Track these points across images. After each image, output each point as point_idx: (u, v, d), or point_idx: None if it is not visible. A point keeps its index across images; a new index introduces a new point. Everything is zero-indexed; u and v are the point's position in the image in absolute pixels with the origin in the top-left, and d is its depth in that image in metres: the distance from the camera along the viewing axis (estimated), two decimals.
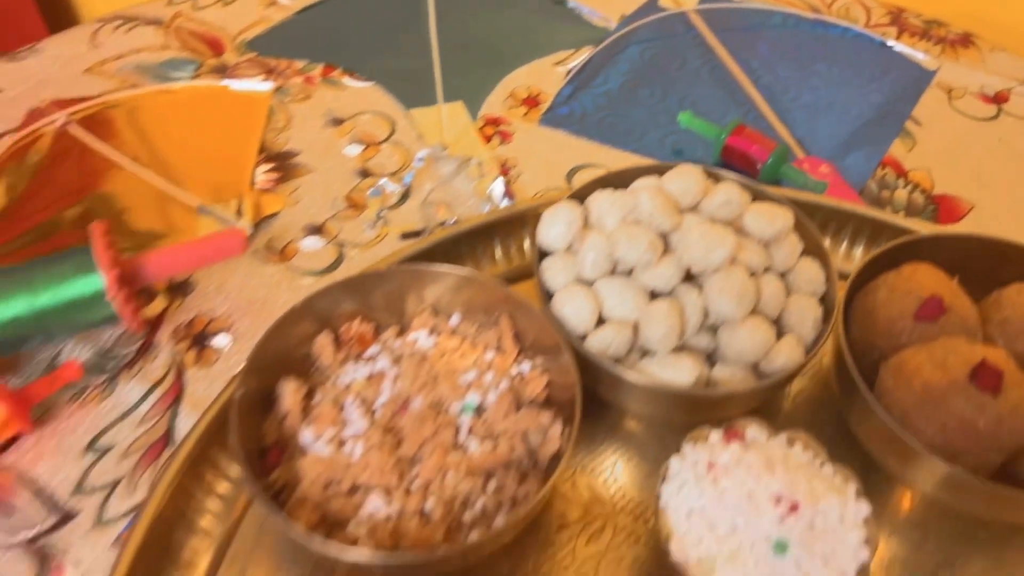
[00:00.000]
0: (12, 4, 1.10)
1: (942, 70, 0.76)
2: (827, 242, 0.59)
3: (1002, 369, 0.42)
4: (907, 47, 0.78)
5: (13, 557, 0.46)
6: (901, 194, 0.66)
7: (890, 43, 0.78)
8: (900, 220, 0.59)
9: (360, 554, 0.40)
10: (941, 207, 0.65)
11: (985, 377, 0.42)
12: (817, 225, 0.53)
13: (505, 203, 0.64)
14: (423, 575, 0.43)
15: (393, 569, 0.41)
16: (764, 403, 0.52)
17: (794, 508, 0.40)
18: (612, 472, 0.50)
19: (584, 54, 0.77)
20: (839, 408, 0.50)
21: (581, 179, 0.64)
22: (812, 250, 0.52)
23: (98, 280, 0.52)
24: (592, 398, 0.47)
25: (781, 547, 0.40)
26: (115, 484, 0.49)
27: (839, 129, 0.71)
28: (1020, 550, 0.47)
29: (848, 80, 0.75)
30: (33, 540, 0.47)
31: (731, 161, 0.66)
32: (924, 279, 0.49)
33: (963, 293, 0.49)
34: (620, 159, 0.68)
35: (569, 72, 0.76)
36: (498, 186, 0.64)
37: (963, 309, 0.48)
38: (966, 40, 0.79)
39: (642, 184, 0.53)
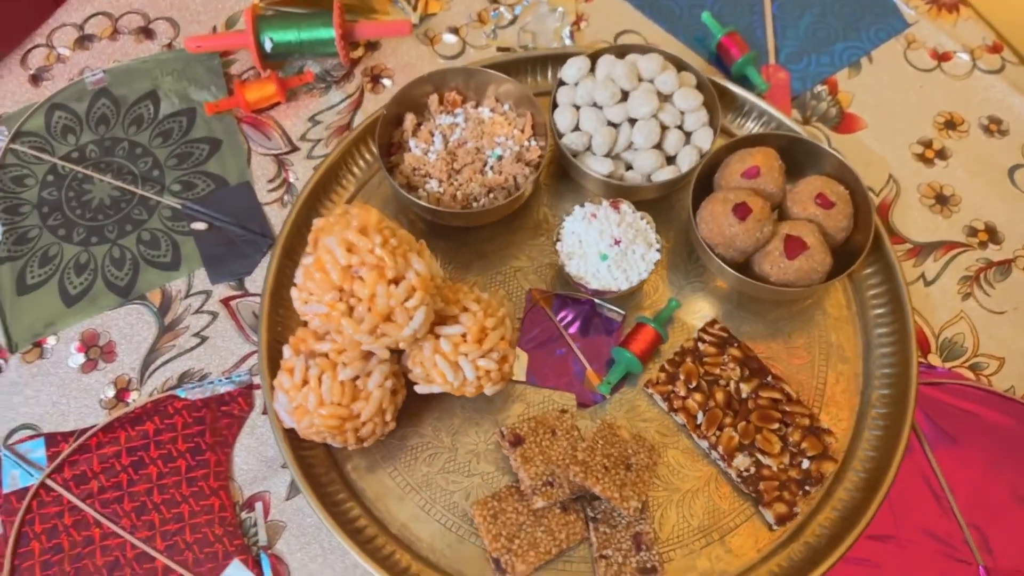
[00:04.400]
0: None
1: (916, 25, 1.04)
2: (733, 120, 0.95)
3: (752, 208, 0.81)
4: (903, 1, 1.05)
5: (264, 161, 0.95)
6: (823, 105, 0.99)
7: None
8: (789, 121, 0.93)
9: (421, 203, 0.85)
10: (843, 120, 0.98)
11: (739, 211, 0.81)
12: (736, 112, 0.91)
13: (568, 43, 1.02)
14: (446, 219, 0.88)
15: (435, 213, 0.87)
16: (653, 201, 0.91)
17: (617, 242, 0.82)
18: (559, 207, 0.92)
19: None
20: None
21: (622, 39, 1.01)
22: (712, 123, 0.89)
23: (331, 31, 0.96)
24: (563, 175, 0.89)
25: (604, 257, 0.82)
26: (318, 141, 0.97)
27: (809, 44, 1.02)
28: (783, 318, 0.87)
29: (839, 11, 1.04)
30: (277, 156, 0.96)
31: (720, 52, 1.00)
32: (758, 155, 0.85)
33: (780, 170, 0.85)
34: (653, 32, 1.03)
35: None
36: (567, 32, 1.02)
37: (772, 175, 0.85)
38: (954, 6, 1.05)
39: (629, 58, 0.90)
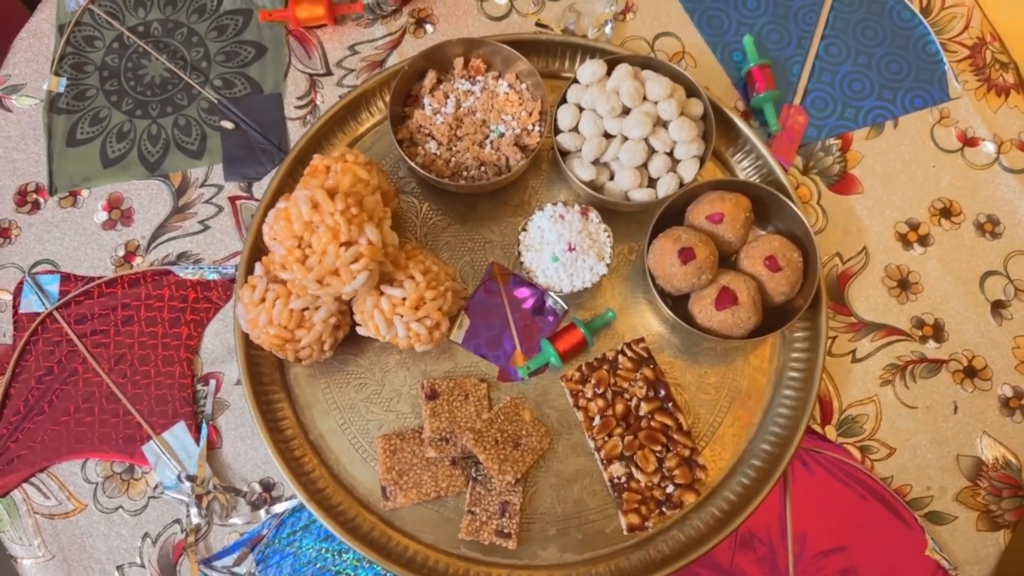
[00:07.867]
0: None
1: (956, 101, 1.02)
2: (733, 154, 0.98)
3: (696, 255, 0.86)
4: (954, 69, 1.03)
5: (299, 78, 1.04)
6: (828, 160, 1.00)
7: (944, 60, 1.03)
8: (780, 174, 0.95)
9: (412, 163, 0.93)
10: (842, 180, 1.00)
11: (684, 254, 0.86)
12: (736, 147, 0.95)
13: (608, 33, 1.04)
14: (433, 182, 0.97)
15: (424, 176, 0.95)
16: (624, 216, 0.97)
17: (571, 249, 0.89)
18: (545, 195, 0.99)
19: None
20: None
21: (659, 41, 1.03)
22: (702, 157, 0.93)
23: None
24: (556, 164, 0.96)
25: (555, 259, 0.90)
26: (351, 71, 1.04)
27: (840, 94, 1.02)
28: (707, 352, 0.94)
29: (885, 66, 1.03)
30: (311, 75, 1.04)
31: (747, 80, 1.01)
32: (729, 202, 0.90)
33: (745, 222, 0.90)
34: (693, 40, 1.05)
35: None
36: (608, 25, 1.05)
37: (735, 225, 0.89)
38: (1005, 90, 1.02)
39: (643, 75, 0.93)
